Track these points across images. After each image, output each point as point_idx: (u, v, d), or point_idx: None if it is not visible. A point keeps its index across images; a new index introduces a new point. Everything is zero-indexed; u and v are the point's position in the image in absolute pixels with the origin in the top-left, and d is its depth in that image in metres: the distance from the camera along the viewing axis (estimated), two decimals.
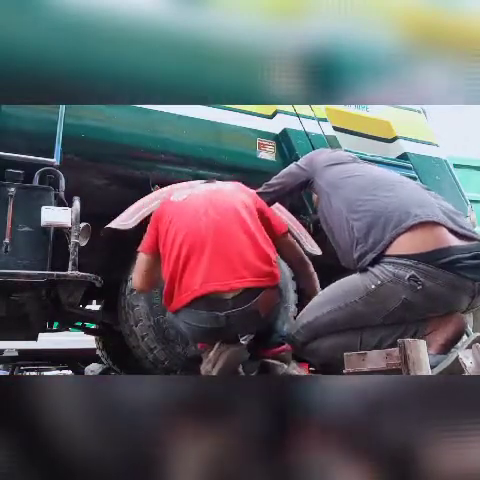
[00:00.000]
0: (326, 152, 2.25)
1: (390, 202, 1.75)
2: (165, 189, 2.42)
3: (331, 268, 2.05)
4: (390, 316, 1.68)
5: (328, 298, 1.81)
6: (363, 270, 1.74)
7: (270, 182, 2.26)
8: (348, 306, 1.73)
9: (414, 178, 2.97)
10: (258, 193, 2.29)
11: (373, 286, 1.67)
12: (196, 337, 1.91)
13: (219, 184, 2.14)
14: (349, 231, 1.81)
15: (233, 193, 2.03)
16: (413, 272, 1.60)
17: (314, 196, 2.28)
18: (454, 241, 1.64)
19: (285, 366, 1.99)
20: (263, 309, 1.84)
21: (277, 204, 2.48)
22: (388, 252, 1.67)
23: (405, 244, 1.65)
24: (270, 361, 1.99)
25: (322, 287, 2.02)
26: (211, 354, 1.86)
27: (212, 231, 1.84)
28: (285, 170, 2.27)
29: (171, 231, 1.89)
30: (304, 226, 2.66)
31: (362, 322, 1.73)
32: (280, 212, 2.52)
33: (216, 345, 1.86)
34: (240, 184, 2.15)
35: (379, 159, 3.01)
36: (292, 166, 2.25)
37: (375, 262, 1.70)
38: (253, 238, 1.87)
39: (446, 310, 1.68)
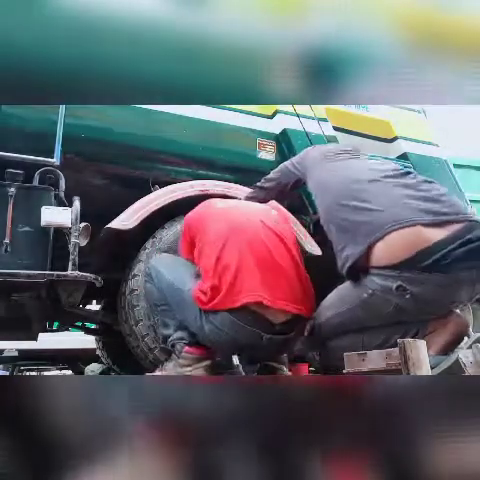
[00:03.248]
0: (318, 149, 2.18)
1: (361, 211, 1.68)
2: (165, 189, 2.42)
3: (331, 269, 2.05)
4: (387, 320, 1.68)
5: (330, 303, 1.83)
6: (355, 278, 1.73)
7: (267, 177, 2.29)
8: (347, 311, 1.74)
9: None
10: (255, 187, 2.31)
11: (365, 295, 1.66)
12: (221, 345, 1.80)
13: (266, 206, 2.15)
14: (330, 236, 1.81)
15: (284, 221, 2.05)
16: (399, 282, 1.56)
17: None
18: (436, 235, 1.53)
19: (284, 368, 2.00)
20: (295, 339, 1.89)
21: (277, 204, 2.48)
22: (372, 263, 1.63)
23: (385, 254, 1.59)
24: (270, 363, 2.00)
25: (322, 288, 2.02)
26: (187, 369, 1.79)
27: (272, 246, 1.81)
28: (281, 166, 2.28)
29: (222, 228, 1.82)
30: (304, 226, 2.66)
31: (362, 325, 1.74)
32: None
33: (206, 363, 1.82)
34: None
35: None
36: (286, 163, 2.24)
37: (363, 272, 1.68)
38: (301, 271, 1.88)
39: (445, 310, 1.66)
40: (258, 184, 2.29)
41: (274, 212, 2.09)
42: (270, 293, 1.71)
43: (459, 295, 1.62)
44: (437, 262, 1.51)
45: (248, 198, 2.30)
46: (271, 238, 1.83)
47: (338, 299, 1.80)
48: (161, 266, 1.97)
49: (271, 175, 2.27)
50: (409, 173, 1.83)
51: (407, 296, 1.56)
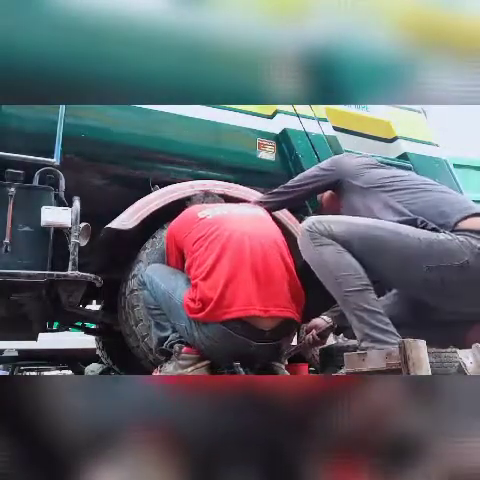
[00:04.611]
0: (356, 156, 2.23)
1: (446, 197, 1.81)
2: (165, 189, 2.42)
3: None
4: (432, 271, 1.65)
5: (394, 224, 1.76)
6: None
7: (287, 184, 2.21)
8: (406, 236, 1.68)
9: None
10: (273, 193, 2.23)
11: (441, 236, 1.67)
12: (211, 352, 1.79)
13: (255, 210, 2.09)
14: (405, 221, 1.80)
15: (273, 225, 2.02)
16: None
17: (322, 195, 2.25)
18: None
19: (282, 367, 1.99)
20: (285, 343, 1.88)
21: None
22: (460, 227, 1.69)
23: (475, 223, 1.69)
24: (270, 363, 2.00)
25: (316, 289, 2.00)
26: (188, 370, 1.79)
27: (259, 254, 1.78)
28: (307, 173, 2.21)
29: (208, 238, 1.82)
30: None
31: (403, 256, 1.68)
32: (280, 212, 2.52)
33: (206, 362, 1.81)
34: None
35: (379, 159, 3.00)
36: (314, 169, 2.20)
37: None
38: (292, 275, 1.85)
39: None
40: (277, 190, 2.22)
41: (262, 213, 2.05)
42: (262, 303, 1.70)
43: None
44: None
45: (262, 203, 2.21)
46: (261, 244, 1.82)
47: (400, 226, 1.74)
48: (154, 274, 1.99)
49: (291, 183, 2.19)
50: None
51: None
